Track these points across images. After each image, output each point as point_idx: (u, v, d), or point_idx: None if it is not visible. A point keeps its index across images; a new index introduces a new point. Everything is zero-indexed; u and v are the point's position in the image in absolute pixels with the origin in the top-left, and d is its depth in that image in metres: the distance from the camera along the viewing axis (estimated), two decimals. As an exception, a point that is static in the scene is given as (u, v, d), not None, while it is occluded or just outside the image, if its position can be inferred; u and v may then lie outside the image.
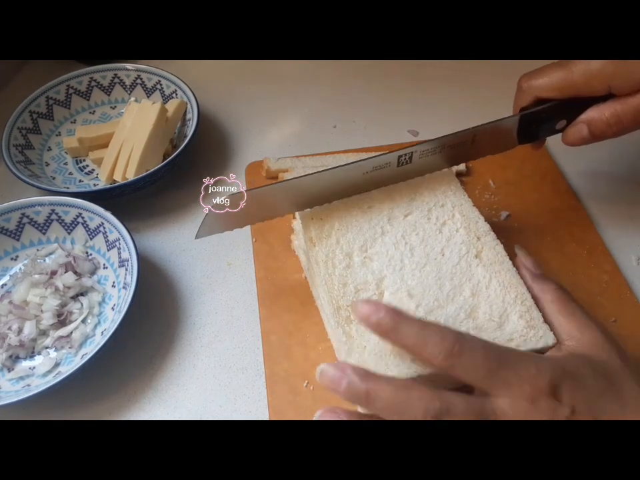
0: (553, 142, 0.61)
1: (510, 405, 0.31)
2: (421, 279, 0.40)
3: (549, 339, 0.37)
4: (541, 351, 0.38)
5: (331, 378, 0.32)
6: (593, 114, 0.44)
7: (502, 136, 0.47)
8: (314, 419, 0.34)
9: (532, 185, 0.56)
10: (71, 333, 0.46)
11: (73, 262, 0.49)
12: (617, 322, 0.46)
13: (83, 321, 0.47)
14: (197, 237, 0.44)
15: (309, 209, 0.44)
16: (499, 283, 0.40)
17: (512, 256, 0.42)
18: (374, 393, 0.31)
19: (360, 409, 0.35)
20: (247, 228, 0.54)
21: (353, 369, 0.32)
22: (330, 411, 0.33)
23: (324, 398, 0.42)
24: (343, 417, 0.33)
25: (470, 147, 0.46)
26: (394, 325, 0.32)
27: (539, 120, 0.46)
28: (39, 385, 0.41)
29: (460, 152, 0.46)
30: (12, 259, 0.51)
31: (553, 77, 0.45)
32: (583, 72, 0.43)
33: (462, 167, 0.57)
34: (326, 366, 0.32)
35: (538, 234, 0.52)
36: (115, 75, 0.63)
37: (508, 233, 0.51)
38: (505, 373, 0.31)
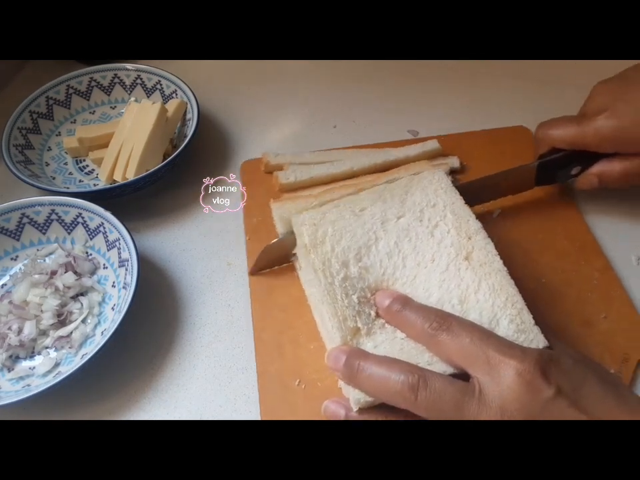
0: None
1: (495, 382, 0.33)
2: (411, 291, 0.40)
3: (540, 342, 0.37)
4: None
5: (334, 357, 0.37)
6: (604, 168, 0.48)
7: (523, 179, 0.52)
8: (322, 408, 0.39)
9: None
10: (71, 332, 0.46)
11: (72, 262, 0.49)
12: (606, 318, 0.46)
13: (83, 321, 0.47)
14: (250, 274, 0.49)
15: (300, 214, 0.44)
16: (488, 287, 0.39)
17: (502, 255, 0.41)
18: (361, 367, 0.35)
19: (351, 398, 0.36)
20: (241, 227, 0.54)
21: (351, 349, 0.37)
22: (334, 402, 0.38)
23: (315, 395, 0.42)
24: (344, 405, 0.38)
25: (498, 188, 0.52)
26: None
27: (555, 166, 0.51)
28: (39, 385, 0.41)
29: (489, 192, 0.52)
30: (12, 258, 0.51)
31: (566, 132, 0.48)
32: (594, 134, 0.46)
33: (456, 163, 0.56)
34: (332, 349, 0.38)
35: (530, 231, 0.52)
36: (115, 75, 0.63)
37: (500, 231, 0.51)
38: (491, 353, 0.33)
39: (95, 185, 0.57)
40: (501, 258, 0.41)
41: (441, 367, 0.36)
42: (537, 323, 0.37)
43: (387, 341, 0.38)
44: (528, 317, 0.38)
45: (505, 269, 0.40)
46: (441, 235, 0.42)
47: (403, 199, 0.45)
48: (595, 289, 0.48)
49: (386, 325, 0.39)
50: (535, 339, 0.37)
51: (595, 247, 0.51)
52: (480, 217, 0.44)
